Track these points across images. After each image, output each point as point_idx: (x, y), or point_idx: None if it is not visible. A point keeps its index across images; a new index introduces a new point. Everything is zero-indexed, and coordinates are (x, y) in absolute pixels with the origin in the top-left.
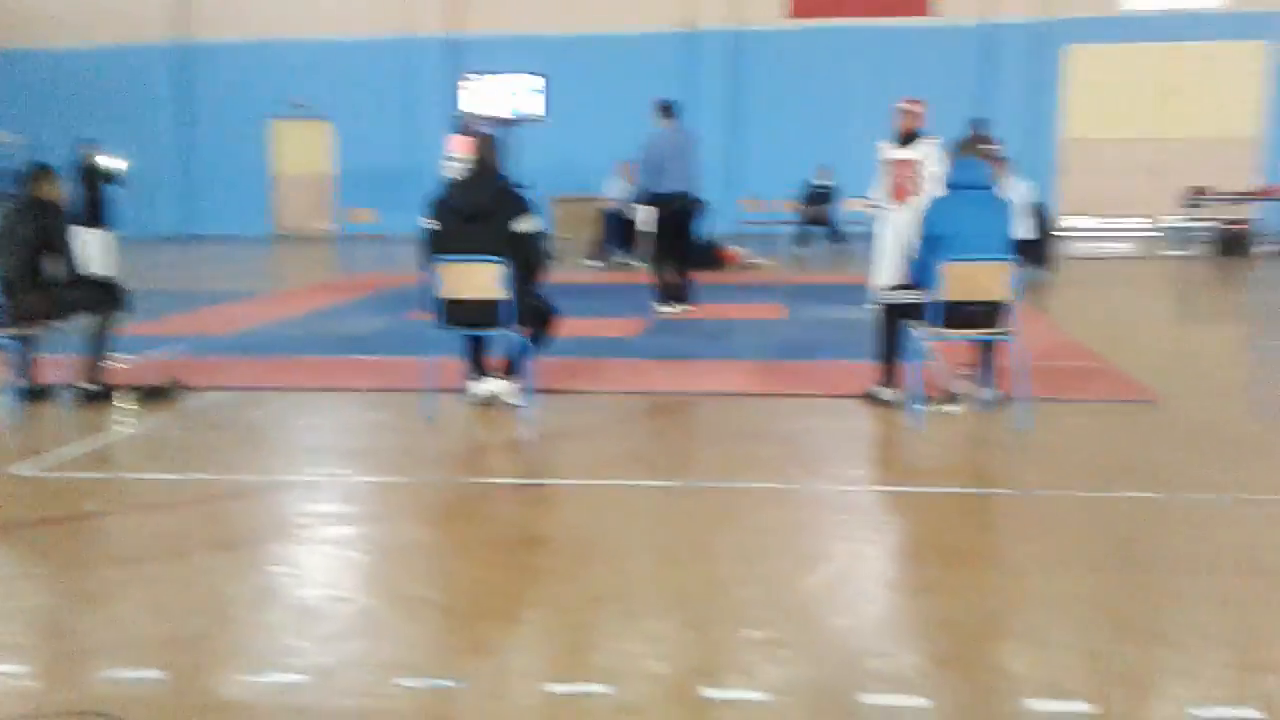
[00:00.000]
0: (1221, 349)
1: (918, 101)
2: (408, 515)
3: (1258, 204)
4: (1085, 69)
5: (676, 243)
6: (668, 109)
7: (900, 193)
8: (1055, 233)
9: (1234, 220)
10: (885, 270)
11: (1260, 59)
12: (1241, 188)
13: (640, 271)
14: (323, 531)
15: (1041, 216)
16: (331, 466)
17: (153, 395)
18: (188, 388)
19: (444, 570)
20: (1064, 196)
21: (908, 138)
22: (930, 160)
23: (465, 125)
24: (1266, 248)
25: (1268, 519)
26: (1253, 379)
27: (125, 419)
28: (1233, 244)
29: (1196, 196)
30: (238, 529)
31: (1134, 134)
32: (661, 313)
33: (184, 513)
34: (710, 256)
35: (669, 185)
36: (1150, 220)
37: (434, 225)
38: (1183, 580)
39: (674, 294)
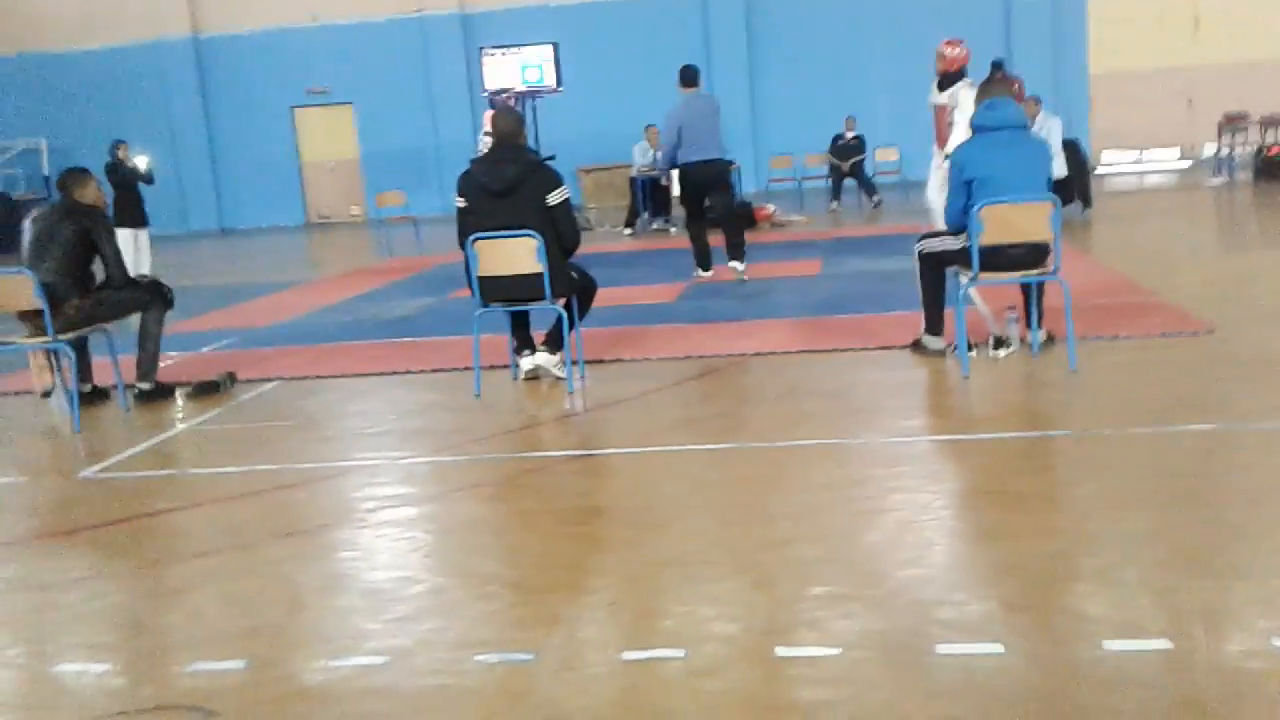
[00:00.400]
0: (1273, 274)
1: (953, 43)
2: (467, 493)
3: None
4: (1110, 2)
5: (715, 207)
6: (686, 76)
7: (940, 139)
8: (1091, 169)
9: (1273, 144)
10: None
11: None
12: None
13: (674, 236)
14: (386, 514)
15: (1075, 153)
16: (388, 450)
17: (207, 390)
18: (240, 380)
19: (508, 545)
20: (1097, 131)
21: (945, 81)
22: (962, 106)
23: (497, 101)
24: None
25: None
26: None
27: (183, 415)
28: (1274, 168)
29: (1233, 123)
30: (303, 517)
31: (1165, 63)
32: (701, 277)
33: (249, 504)
34: (743, 216)
35: (696, 154)
36: (1188, 150)
37: (464, 204)
38: (1250, 511)
39: (703, 260)
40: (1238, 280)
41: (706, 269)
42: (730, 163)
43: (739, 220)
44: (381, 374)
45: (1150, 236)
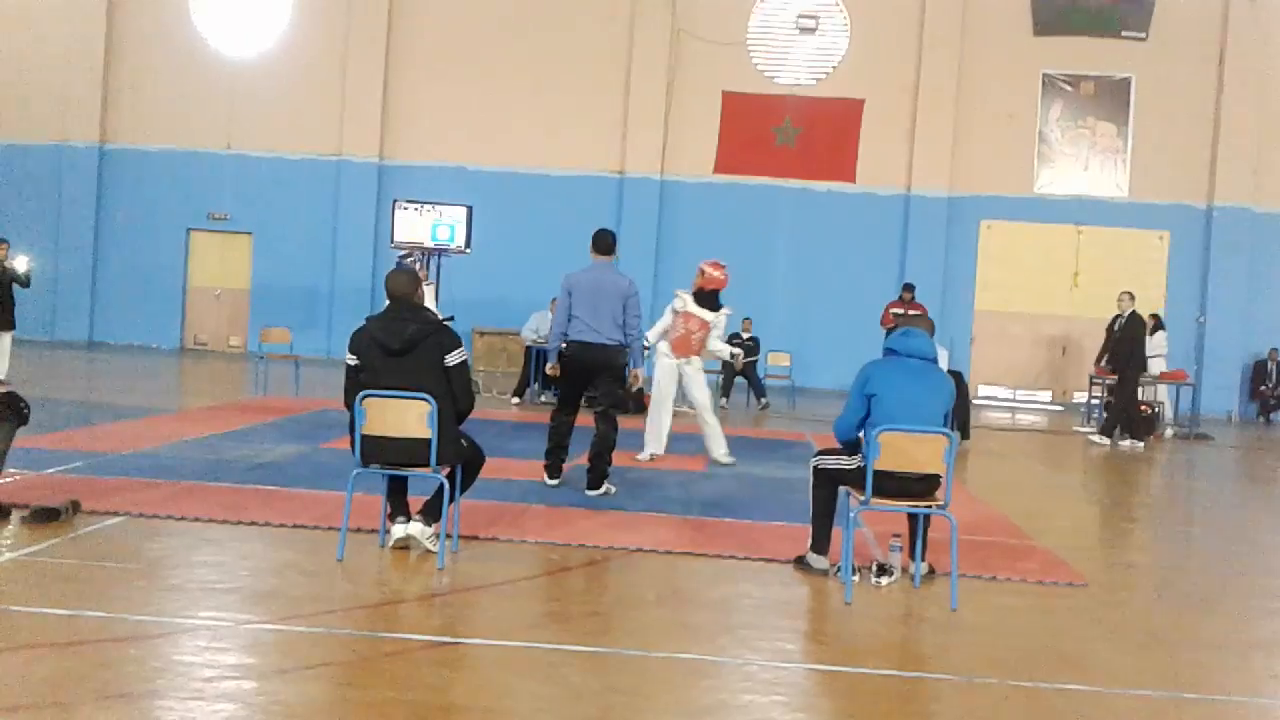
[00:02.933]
0: (1141, 532)
1: (718, 265)
2: (316, 672)
3: (1162, 386)
4: (1001, 244)
5: (600, 400)
6: (598, 241)
7: (683, 346)
8: (970, 401)
9: (1141, 402)
10: (662, 419)
11: (1163, 249)
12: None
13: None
14: (224, 686)
15: (958, 384)
16: (235, 610)
17: (46, 516)
18: (83, 510)
19: None
20: (977, 366)
21: (700, 297)
22: (718, 328)
23: (404, 263)
24: (1170, 430)
25: (1199, 719)
26: (1174, 565)
27: (13, 541)
28: (1139, 425)
29: (1104, 376)
30: (131, 678)
31: (1045, 310)
32: (547, 484)
33: (72, 656)
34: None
35: (586, 333)
36: (1059, 395)
37: (355, 361)
38: None
39: (554, 467)
40: (1107, 533)
41: (554, 477)
42: (625, 348)
43: (611, 435)
44: (238, 522)
45: (1024, 477)
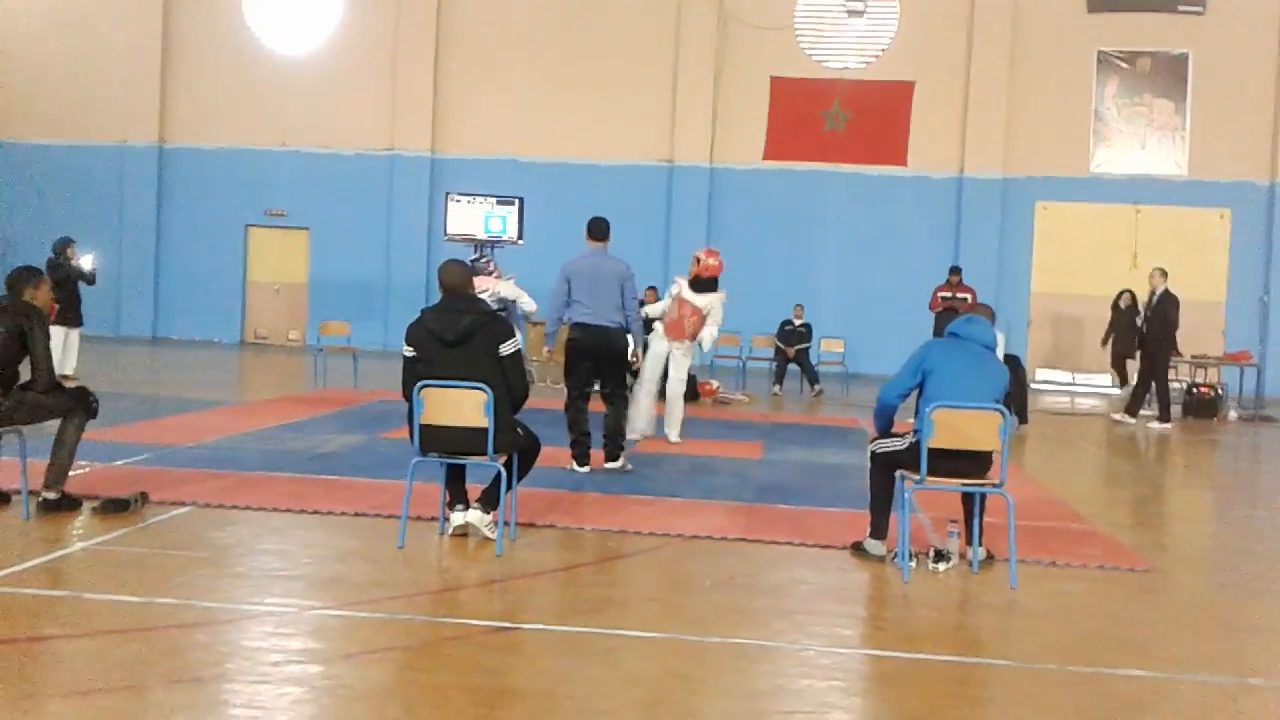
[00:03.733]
0: (1203, 515)
1: (713, 253)
2: (379, 656)
3: (1225, 367)
4: (1057, 226)
5: (605, 384)
6: (591, 228)
7: (676, 330)
8: (1027, 385)
9: (1202, 384)
10: (644, 398)
11: (1224, 227)
12: (1210, 351)
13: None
14: (291, 670)
15: (1015, 369)
16: (300, 596)
17: (116, 507)
18: (151, 501)
19: None
20: (1034, 350)
21: (697, 284)
22: (715, 315)
23: (479, 266)
24: (1234, 412)
25: (1264, 707)
26: (1237, 549)
27: (85, 531)
28: (1201, 407)
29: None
30: (200, 662)
31: (1103, 292)
32: (576, 471)
33: (144, 640)
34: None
35: (587, 316)
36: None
37: (412, 353)
38: None
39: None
40: (1169, 517)
41: (583, 465)
42: (625, 330)
43: (621, 416)
44: (301, 511)
45: (1083, 461)
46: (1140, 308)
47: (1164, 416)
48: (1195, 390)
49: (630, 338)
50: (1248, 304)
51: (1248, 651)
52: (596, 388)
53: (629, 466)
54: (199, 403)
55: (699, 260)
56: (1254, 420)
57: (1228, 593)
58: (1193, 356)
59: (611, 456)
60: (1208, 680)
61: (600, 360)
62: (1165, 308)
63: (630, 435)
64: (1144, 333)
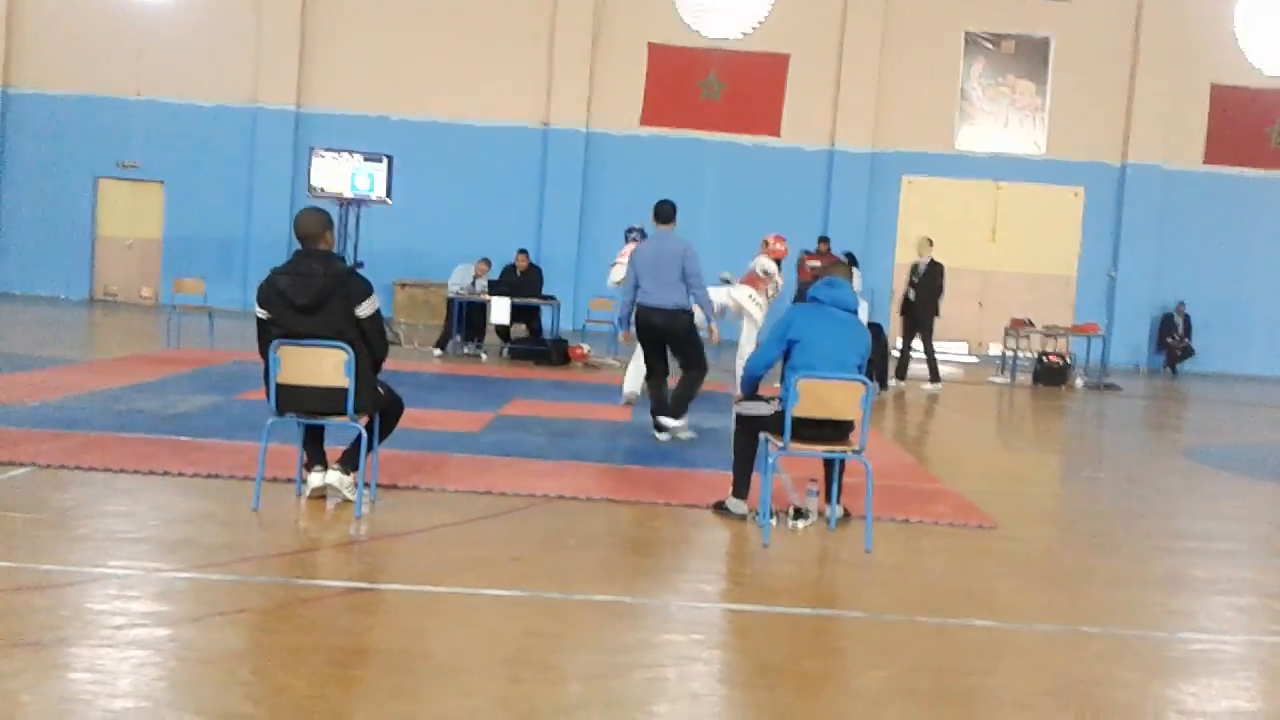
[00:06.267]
0: (1049, 476)
1: (781, 238)
2: (230, 619)
3: (1074, 338)
4: (921, 200)
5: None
6: (657, 211)
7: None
8: (889, 353)
9: (1052, 352)
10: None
11: (1078, 205)
12: (1060, 322)
13: (484, 363)
14: (135, 634)
15: (878, 336)
16: (146, 559)
17: None
18: None
19: (269, 685)
20: (896, 318)
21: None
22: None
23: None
24: (1080, 380)
25: (1100, 653)
26: (1078, 507)
27: None
28: (1051, 375)
29: (1018, 328)
30: (39, 626)
31: (964, 264)
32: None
33: None
34: (557, 353)
35: (652, 299)
36: (975, 347)
37: (265, 315)
38: (1021, 717)
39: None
40: (1016, 478)
41: (678, 417)
42: (685, 311)
43: (698, 378)
44: (150, 473)
45: (938, 425)
46: (911, 276)
47: (935, 376)
48: (1045, 359)
49: (696, 312)
50: (1097, 279)
51: (1085, 602)
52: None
53: (689, 434)
54: (42, 360)
55: (767, 244)
56: (1099, 388)
57: (1068, 548)
58: (1044, 327)
59: (675, 414)
60: (1049, 629)
61: (665, 338)
62: (935, 276)
63: (625, 393)
64: (911, 300)
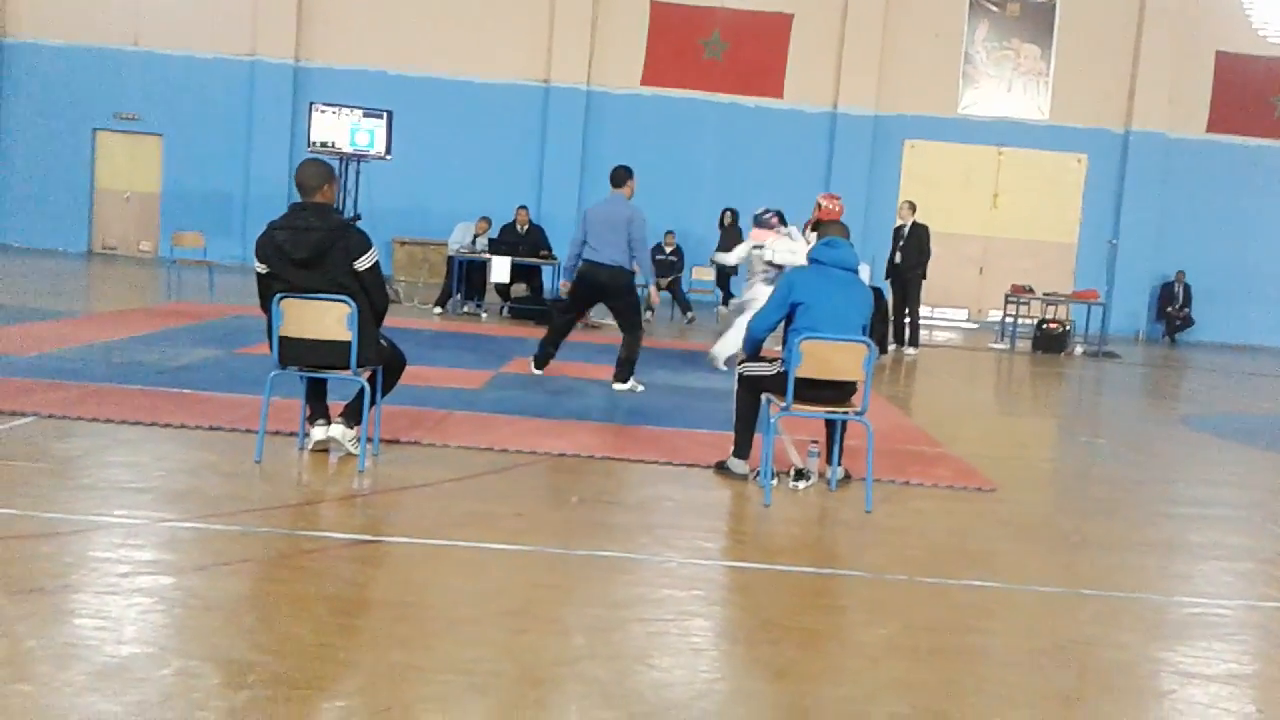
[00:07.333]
0: (1048, 441)
1: (833, 197)
2: (234, 568)
3: (1074, 305)
4: (923, 164)
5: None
6: (612, 176)
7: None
8: (889, 317)
9: (1051, 319)
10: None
11: (1080, 172)
12: (1061, 289)
13: (484, 322)
14: (140, 581)
15: (878, 300)
16: (150, 509)
17: None
18: None
19: (274, 632)
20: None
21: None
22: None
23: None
24: (1080, 347)
25: (1097, 614)
26: (1077, 472)
27: None
28: (1050, 341)
29: (1018, 294)
30: (44, 573)
31: (963, 230)
32: (532, 373)
33: None
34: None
35: (593, 255)
36: (975, 313)
37: (264, 269)
38: (1018, 674)
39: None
40: (1016, 443)
41: (539, 368)
42: (626, 270)
43: (635, 337)
44: (153, 424)
45: (938, 389)
46: (896, 240)
47: (915, 342)
48: (1045, 325)
49: (641, 274)
50: (1097, 246)
51: (1083, 565)
52: (611, 320)
53: (639, 388)
54: (41, 312)
55: (820, 205)
56: (1098, 355)
57: (1066, 511)
58: (1044, 294)
59: (620, 379)
60: (1045, 590)
61: (606, 293)
62: (921, 238)
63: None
64: (897, 263)
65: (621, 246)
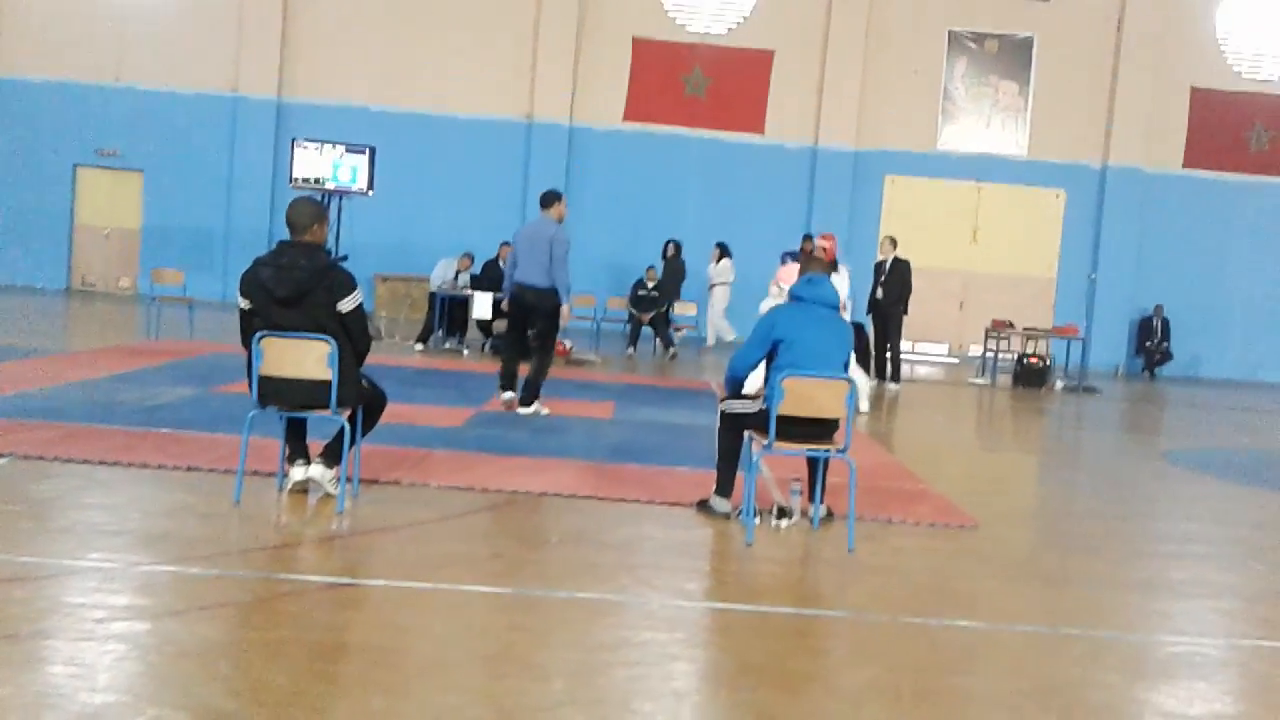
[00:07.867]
0: (1029, 477)
1: (828, 237)
2: (211, 612)
3: (1054, 340)
4: (904, 199)
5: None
6: (541, 198)
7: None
8: (870, 353)
9: (1032, 354)
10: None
11: (1059, 207)
12: (1040, 324)
13: (466, 359)
14: (115, 627)
15: (859, 335)
16: (127, 552)
17: None
18: None
19: (250, 680)
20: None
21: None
22: (841, 287)
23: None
24: (1060, 382)
25: (1081, 655)
26: (1058, 508)
27: None
28: (1031, 376)
29: (999, 329)
30: (17, 619)
31: (944, 265)
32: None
33: None
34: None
35: (521, 276)
36: (956, 348)
37: (247, 305)
38: (1001, 716)
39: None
40: (997, 479)
41: (506, 389)
42: (552, 291)
43: (544, 360)
44: (130, 465)
45: (919, 425)
46: (878, 275)
47: (895, 377)
48: (1025, 360)
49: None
50: (1077, 280)
51: (1066, 604)
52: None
53: (544, 411)
54: (18, 350)
55: (823, 248)
56: (1078, 390)
57: (1049, 549)
58: (1024, 329)
59: (524, 403)
60: (1028, 630)
61: (531, 314)
62: (903, 273)
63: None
64: (878, 298)
65: (545, 266)
